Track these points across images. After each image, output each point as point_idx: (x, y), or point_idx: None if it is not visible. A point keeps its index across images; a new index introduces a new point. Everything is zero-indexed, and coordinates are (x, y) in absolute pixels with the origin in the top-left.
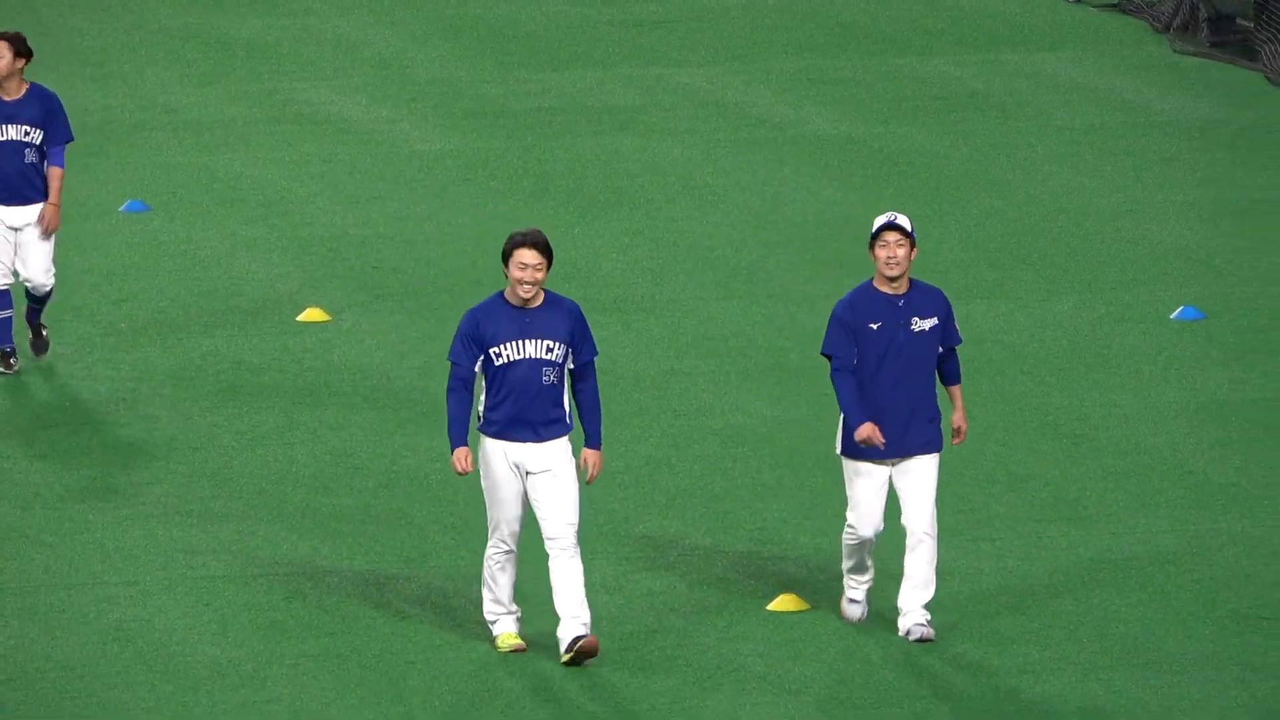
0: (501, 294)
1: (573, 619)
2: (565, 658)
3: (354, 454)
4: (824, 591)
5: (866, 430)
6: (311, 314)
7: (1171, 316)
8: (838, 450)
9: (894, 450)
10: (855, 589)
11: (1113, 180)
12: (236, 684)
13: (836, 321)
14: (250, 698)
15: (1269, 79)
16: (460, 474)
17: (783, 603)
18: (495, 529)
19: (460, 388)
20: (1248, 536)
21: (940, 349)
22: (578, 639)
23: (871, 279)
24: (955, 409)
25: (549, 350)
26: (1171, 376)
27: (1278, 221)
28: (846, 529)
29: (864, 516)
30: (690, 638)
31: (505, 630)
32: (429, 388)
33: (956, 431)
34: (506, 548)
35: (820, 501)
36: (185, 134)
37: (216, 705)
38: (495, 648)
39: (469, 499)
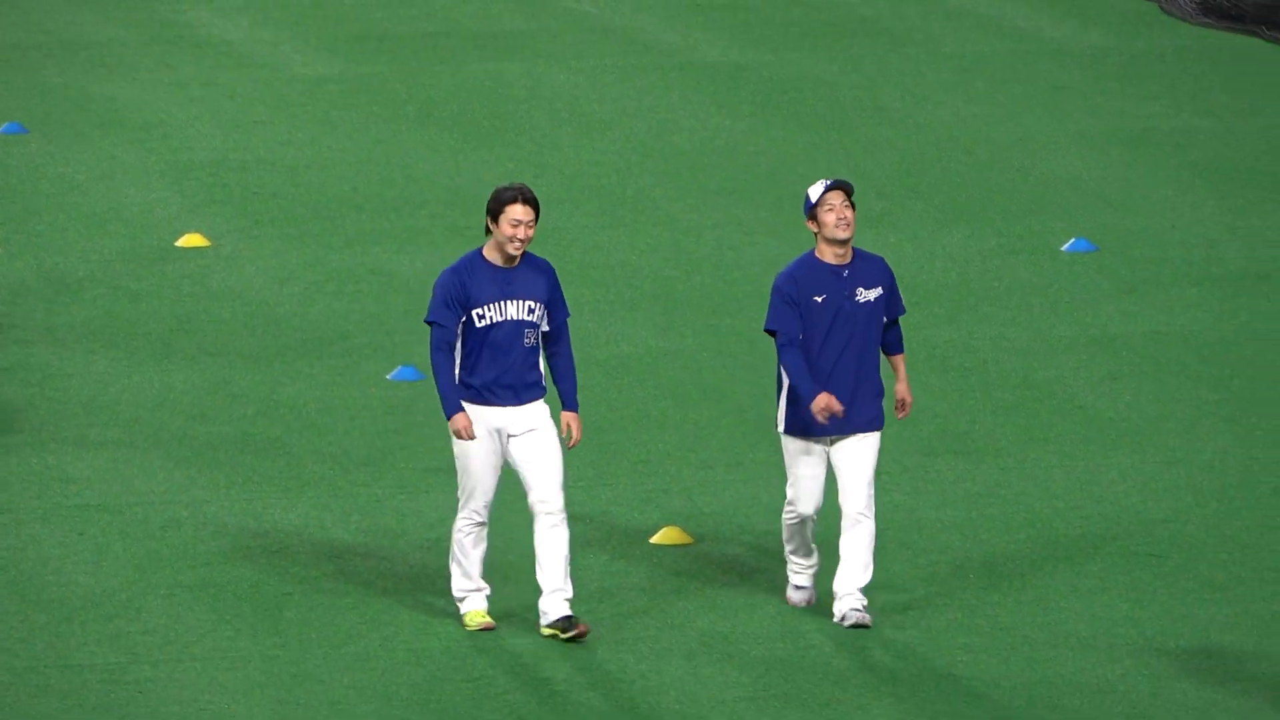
0: (480, 252)
1: (556, 593)
2: (545, 632)
3: (232, 382)
4: (708, 524)
5: (824, 399)
6: (191, 240)
7: (1063, 249)
8: (779, 429)
9: (836, 426)
10: (800, 574)
11: (1003, 109)
12: (110, 613)
13: (779, 295)
14: (124, 628)
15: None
16: (467, 440)
17: (666, 535)
18: (468, 499)
19: (447, 350)
20: (1137, 472)
21: (885, 318)
22: (567, 621)
23: (812, 250)
24: (899, 380)
25: (530, 311)
26: (1062, 309)
27: (1170, 152)
28: (787, 509)
29: (805, 494)
30: (571, 572)
31: (474, 608)
32: (309, 315)
33: (901, 404)
34: (479, 519)
35: (705, 434)
36: (63, 55)
37: (90, 635)
38: (463, 626)
39: (348, 429)
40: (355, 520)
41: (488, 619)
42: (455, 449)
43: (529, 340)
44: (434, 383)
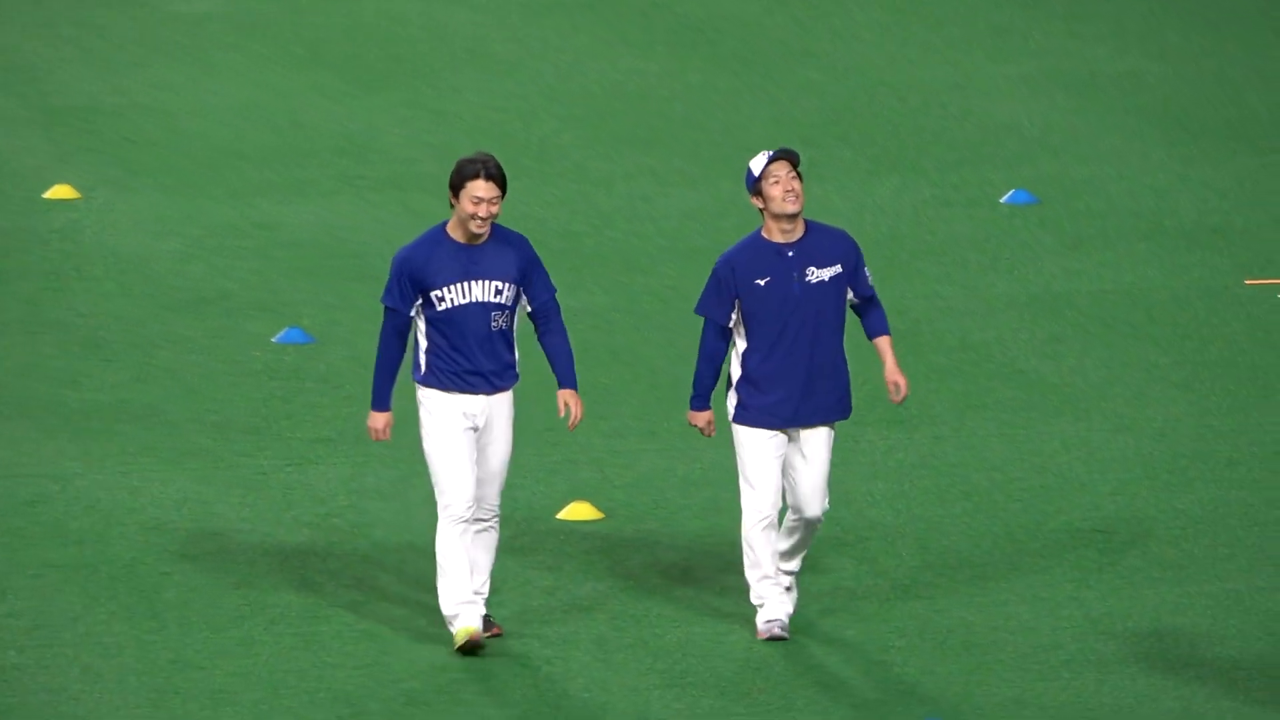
0: (443, 227)
1: (476, 597)
2: (478, 640)
3: (106, 345)
4: (619, 498)
5: (702, 421)
6: (60, 191)
7: (1001, 200)
8: (730, 418)
9: (791, 418)
10: (771, 600)
11: (940, 52)
12: None
13: (713, 279)
14: None
15: None
16: (375, 440)
17: (574, 511)
18: (446, 500)
19: (395, 337)
20: (1082, 441)
21: (855, 299)
22: (485, 622)
23: (758, 229)
24: (886, 364)
25: (497, 292)
26: (1001, 266)
27: (1117, 97)
28: (746, 518)
29: (765, 493)
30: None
31: (467, 624)
32: (189, 273)
33: (894, 388)
34: (464, 518)
35: (616, 400)
36: None
37: None
38: (454, 644)
39: (230, 396)
40: (238, 494)
41: (479, 632)
42: (426, 444)
43: (498, 324)
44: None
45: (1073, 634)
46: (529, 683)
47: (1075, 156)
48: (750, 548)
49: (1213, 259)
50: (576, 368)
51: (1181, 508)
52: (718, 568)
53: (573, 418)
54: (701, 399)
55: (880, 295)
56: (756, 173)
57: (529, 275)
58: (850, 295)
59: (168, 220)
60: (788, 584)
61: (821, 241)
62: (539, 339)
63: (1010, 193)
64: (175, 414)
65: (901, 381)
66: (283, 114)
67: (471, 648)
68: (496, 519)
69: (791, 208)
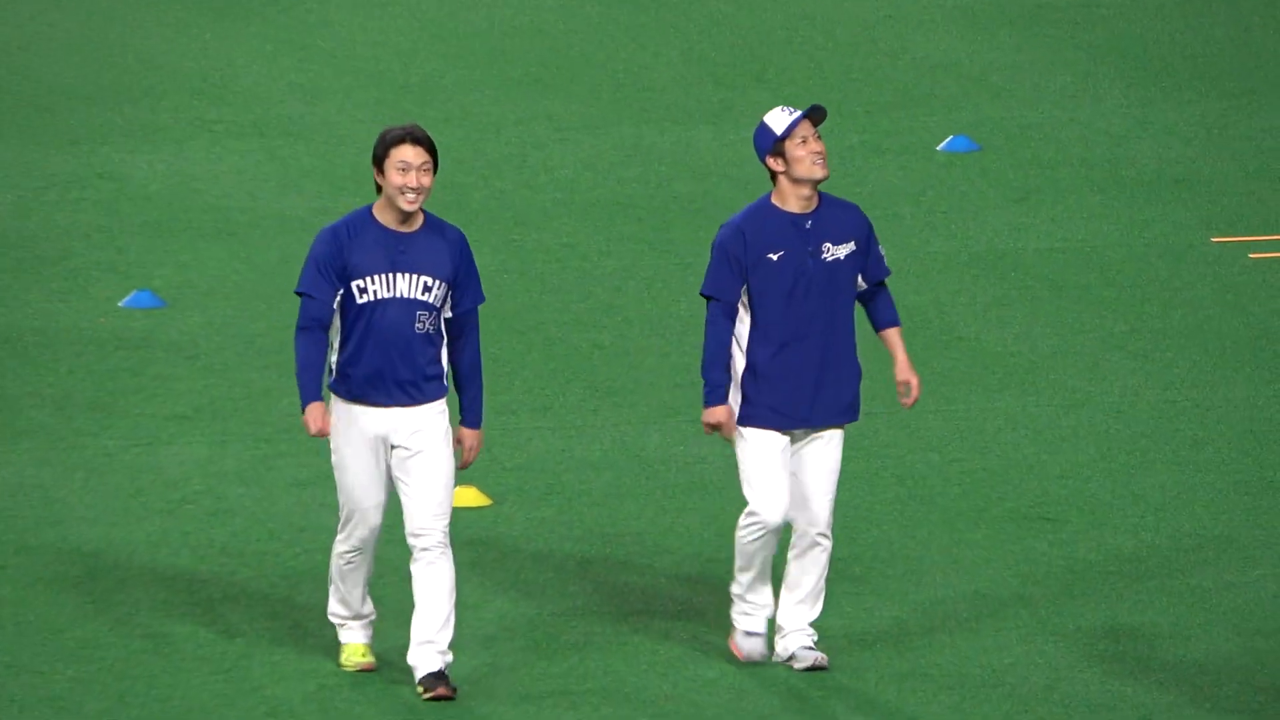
0: (370, 210)
1: (426, 645)
2: (424, 696)
3: None
4: (510, 484)
5: (722, 416)
6: None
7: (939, 148)
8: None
9: (800, 418)
10: (753, 615)
11: None
12: None
13: (722, 253)
14: None
15: None
16: (316, 435)
17: (459, 496)
18: (347, 521)
19: (314, 328)
20: (1029, 418)
21: (862, 283)
22: (434, 678)
23: (767, 195)
24: (896, 359)
25: (426, 289)
26: (938, 221)
27: (1068, 32)
28: (746, 521)
29: (771, 499)
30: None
31: (352, 641)
32: (25, 229)
33: (904, 388)
34: (358, 548)
35: (506, 373)
36: None
37: None
38: (339, 664)
39: (72, 367)
40: (80, 478)
41: (368, 658)
42: (333, 458)
43: (423, 325)
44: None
45: (1019, 635)
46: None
47: (1021, 99)
48: (745, 561)
49: (1176, 214)
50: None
51: (1140, 493)
52: (619, 561)
53: (465, 458)
54: (718, 392)
55: None
56: (779, 131)
57: (460, 276)
58: (859, 280)
59: (1, 169)
60: (807, 644)
61: (836, 214)
62: (449, 353)
63: (948, 139)
64: (9, 387)
65: (914, 381)
66: (130, 51)
67: (365, 671)
68: (443, 550)
69: (821, 173)
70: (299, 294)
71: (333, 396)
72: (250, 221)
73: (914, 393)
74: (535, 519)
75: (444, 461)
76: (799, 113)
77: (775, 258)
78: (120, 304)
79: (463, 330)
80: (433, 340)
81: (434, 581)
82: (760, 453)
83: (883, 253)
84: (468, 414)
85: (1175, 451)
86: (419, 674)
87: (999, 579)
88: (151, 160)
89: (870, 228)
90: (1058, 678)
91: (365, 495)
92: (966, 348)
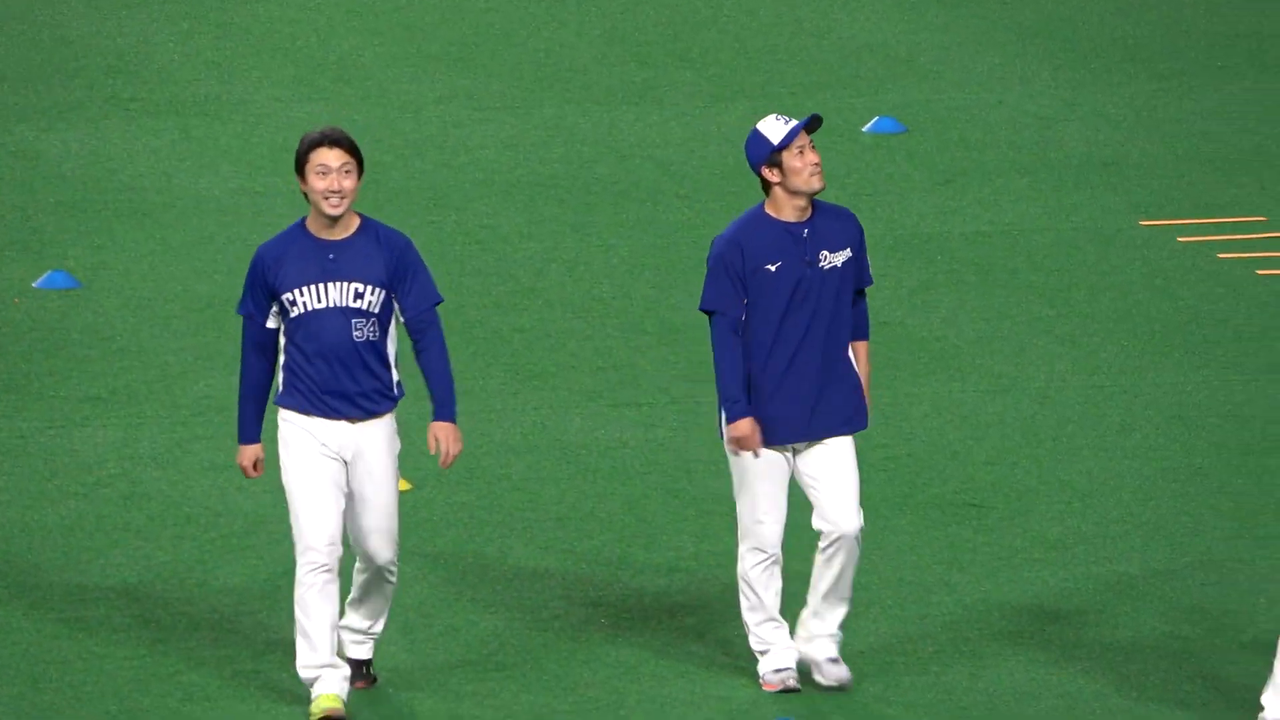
0: (302, 223)
1: (358, 635)
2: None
3: None
4: (430, 468)
5: (746, 429)
6: None
7: (864, 129)
8: (725, 438)
9: (802, 432)
10: (778, 646)
11: None
12: None
13: (721, 265)
14: None
15: None
16: (248, 478)
17: None
18: (303, 543)
19: (254, 352)
20: (955, 404)
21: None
22: (359, 666)
23: (760, 205)
24: (860, 374)
25: (357, 295)
26: (863, 204)
27: (996, 12)
28: (745, 553)
29: (770, 524)
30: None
31: (325, 691)
32: None
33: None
34: (323, 563)
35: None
36: None
37: None
38: (309, 715)
39: None
40: None
41: (336, 704)
42: (283, 477)
43: (361, 334)
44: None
45: (943, 622)
46: None
47: (947, 80)
48: (750, 588)
49: (1104, 197)
50: None
51: (1067, 479)
52: (539, 547)
53: (444, 456)
54: (739, 406)
55: None
56: (776, 141)
57: (402, 279)
58: None
59: None
60: (832, 655)
61: (832, 222)
62: (416, 357)
63: (874, 120)
64: None
65: (867, 402)
66: (44, 27)
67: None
68: (392, 572)
69: (819, 185)
70: (239, 314)
71: (281, 411)
72: (165, 202)
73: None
74: (455, 503)
75: (392, 479)
76: (794, 122)
77: (773, 269)
78: (34, 284)
79: (422, 333)
80: (377, 349)
81: (376, 589)
82: (757, 472)
83: (868, 261)
84: (441, 410)
85: (1102, 437)
86: (325, 689)
87: (924, 565)
88: (66, 139)
89: (863, 234)
90: (982, 665)
91: (326, 510)
92: (892, 332)
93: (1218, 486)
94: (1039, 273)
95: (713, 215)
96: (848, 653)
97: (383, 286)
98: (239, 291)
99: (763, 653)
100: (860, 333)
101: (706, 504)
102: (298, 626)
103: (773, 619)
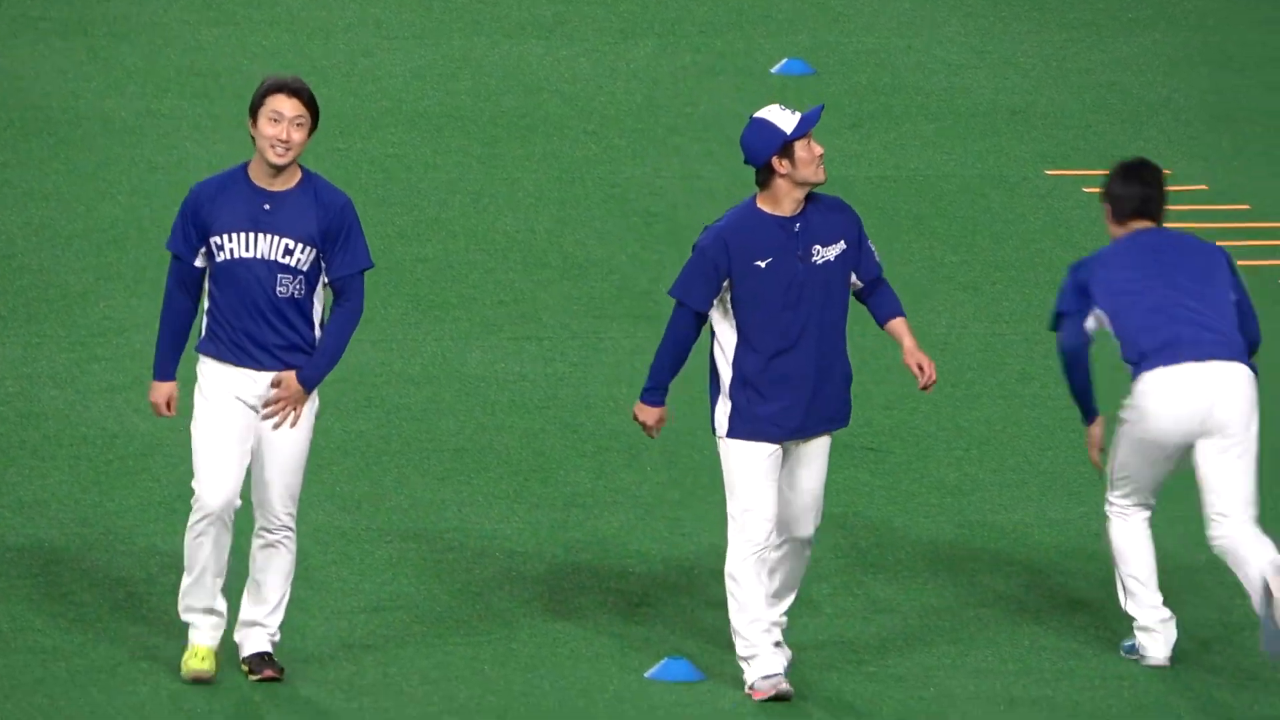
0: (244, 167)
1: (256, 627)
2: (252, 678)
3: None
4: (328, 396)
5: (652, 418)
6: None
7: (772, 71)
8: (720, 433)
9: (794, 429)
10: (772, 652)
11: None
12: None
13: (702, 260)
14: None
15: None
16: (159, 417)
17: None
18: (201, 498)
19: (178, 291)
20: (855, 348)
21: (858, 282)
22: (261, 658)
23: (751, 199)
24: (904, 344)
25: (287, 252)
26: None
27: None
28: (739, 547)
29: (762, 517)
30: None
31: (200, 644)
32: None
33: (919, 370)
34: (219, 518)
35: None
36: None
37: None
38: (181, 669)
39: None
40: None
41: (206, 664)
42: (193, 422)
43: (285, 290)
44: None
45: (836, 566)
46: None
47: (857, 24)
48: (738, 585)
49: (1010, 145)
50: None
51: (965, 426)
52: (436, 477)
53: (277, 404)
54: (657, 393)
55: (631, 173)
56: (789, 131)
57: (334, 241)
58: (853, 278)
59: None
60: (777, 639)
61: (825, 215)
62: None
63: (782, 62)
64: None
65: (926, 363)
66: None
67: (199, 681)
68: (288, 535)
69: (824, 177)
70: (168, 250)
71: (201, 356)
72: (71, 121)
73: (928, 373)
74: (353, 431)
75: (297, 443)
76: (799, 112)
77: (764, 265)
78: None
79: (341, 297)
80: (301, 307)
81: (273, 565)
82: (751, 468)
83: (873, 248)
84: (308, 365)
85: (1002, 385)
86: (245, 652)
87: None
88: None
89: (860, 224)
90: (875, 609)
91: (221, 456)
92: None
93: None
94: (943, 219)
95: (619, 151)
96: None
97: (313, 245)
98: (142, 214)
99: (749, 658)
100: (892, 313)
101: (604, 440)
102: (186, 566)
103: (758, 620)
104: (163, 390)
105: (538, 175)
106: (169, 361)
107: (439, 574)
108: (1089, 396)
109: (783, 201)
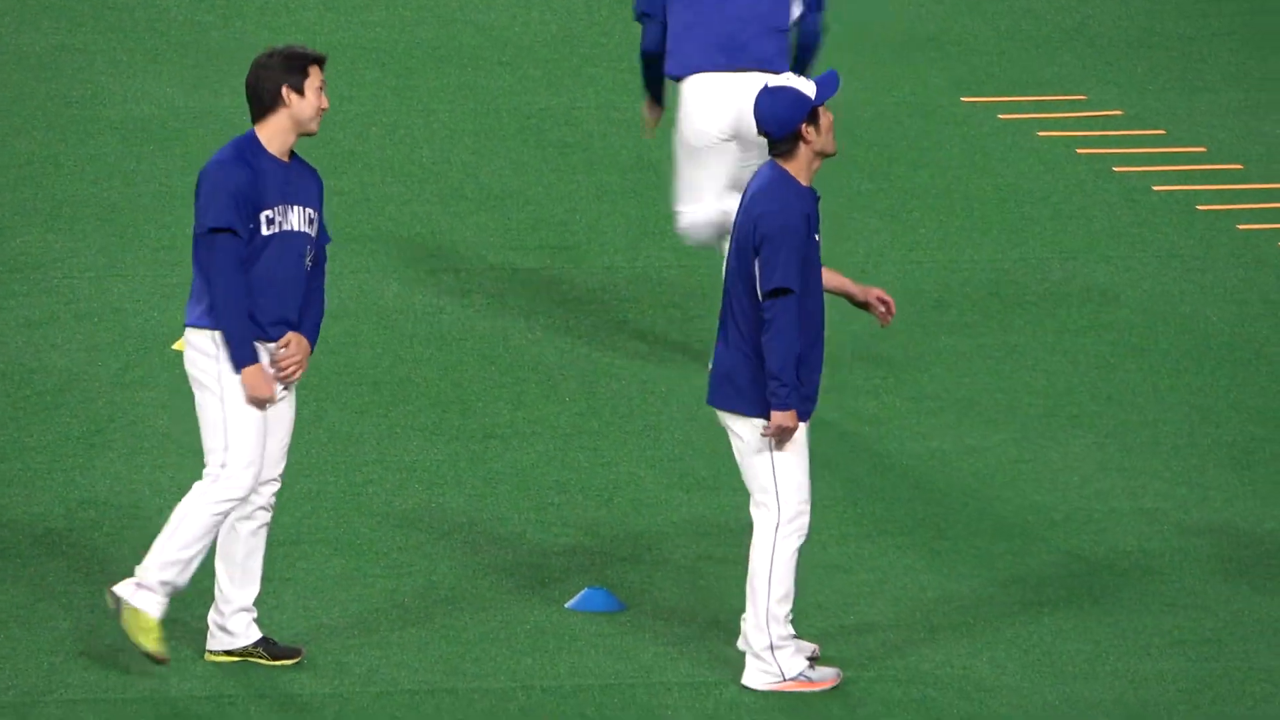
0: (253, 138)
1: (245, 613)
2: (221, 658)
3: None
4: None
5: (792, 420)
6: None
7: None
8: (768, 423)
9: (814, 407)
10: (794, 642)
11: None
12: None
13: (793, 239)
14: None
15: None
16: (267, 401)
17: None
18: (236, 480)
19: (236, 269)
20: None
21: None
22: (269, 644)
23: (783, 170)
24: (849, 288)
25: (310, 222)
26: None
27: None
28: (790, 538)
29: (806, 499)
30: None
31: (155, 617)
32: None
33: (880, 305)
34: (242, 497)
35: None
36: None
37: None
38: (130, 633)
39: None
40: None
41: (164, 648)
42: (226, 402)
43: (308, 260)
44: (224, 318)
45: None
46: (136, 538)
47: None
48: (783, 571)
49: (925, 73)
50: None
51: (882, 355)
52: (354, 411)
53: (289, 366)
54: (797, 393)
55: (546, 103)
56: (814, 97)
57: (322, 213)
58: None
59: None
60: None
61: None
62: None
63: None
64: None
65: (882, 294)
66: None
67: (160, 662)
68: (270, 513)
69: (834, 149)
70: (216, 229)
71: (215, 330)
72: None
73: (891, 306)
74: None
75: (292, 416)
76: (827, 88)
77: (818, 238)
78: None
79: (317, 265)
80: (315, 276)
81: (262, 544)
82: (798, 449)
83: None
84: (310, 332)
85: (918, 313)
86: (250, 641)
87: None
88: None
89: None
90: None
91: (261, 445)
92: None
93: (1032, 364)
94: (859, 147)
95: (534, 82)
96: (717, 591)
97: (319, 214)
98: (57, 149)
99: (780, 648)
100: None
101: (522, 372)
102: (184, 538)
103: (790, 608)
104: (261, 372)
105: (453, 107)
106: (249, 344)
107: (358, 507)
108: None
109: (803, 173)
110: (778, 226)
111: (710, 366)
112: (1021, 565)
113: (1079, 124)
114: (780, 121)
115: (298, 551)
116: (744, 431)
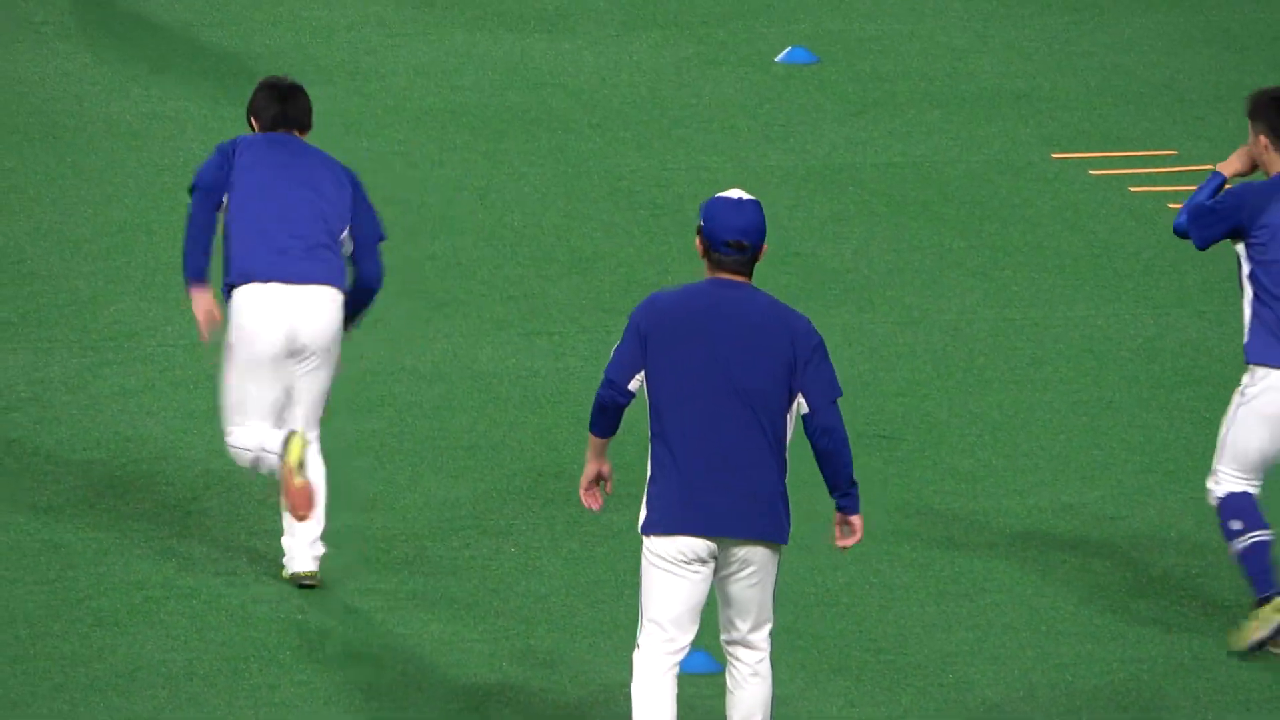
0: None
1: (316, 544)
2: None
3: None
4: (340, 395)
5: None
6: None
7: (776, 59)
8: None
9: None
10: None
11: None
12: None
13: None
14: None
15: None
16: (210, 328)
17: None
18: (240, 413)
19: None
20: (866, 335)
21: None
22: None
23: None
24: None
25: None
26: (775, 134)
27: None
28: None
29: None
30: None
31: (289, 447)
32: None
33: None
34: (256, 444)
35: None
36: None
37: None
38: (285, 464)
39: None
40: None
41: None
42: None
43: None
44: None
45: (853, 554)
46: (234, 604)
47: (860, 10)
48: None
49: (1016, 130)
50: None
51: (978, 411)
52: (450, 475)
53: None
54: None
55: (636, 165)
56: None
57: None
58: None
59: None
60: None
61: None
62: None
63: (786, 51)
64: None
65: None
66: None
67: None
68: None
69: None
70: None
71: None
72: (77, 125)
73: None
74: (366, 431)
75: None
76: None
77: None
78: None
79: None
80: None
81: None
82: None
83: None
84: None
85: (1013, 370)
86: (309, 567)
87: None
88: None
89: None
90: (892, 597)
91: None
92: (803, 264)
93: (1128, 420)
94: (950, 205)
95: (624, 144)
96: None
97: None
98: (150, 217)
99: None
100: None
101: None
102: (246, 446)
103: None
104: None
105: (543, 170)
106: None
107: (455, 571)
108: None
109: None
110: (820, 338)
111: (703, 498)
112: (1119, 623)
113: (1170, 179)
114: (764, 232)
115: (395, 616)
116: (769, 560)
